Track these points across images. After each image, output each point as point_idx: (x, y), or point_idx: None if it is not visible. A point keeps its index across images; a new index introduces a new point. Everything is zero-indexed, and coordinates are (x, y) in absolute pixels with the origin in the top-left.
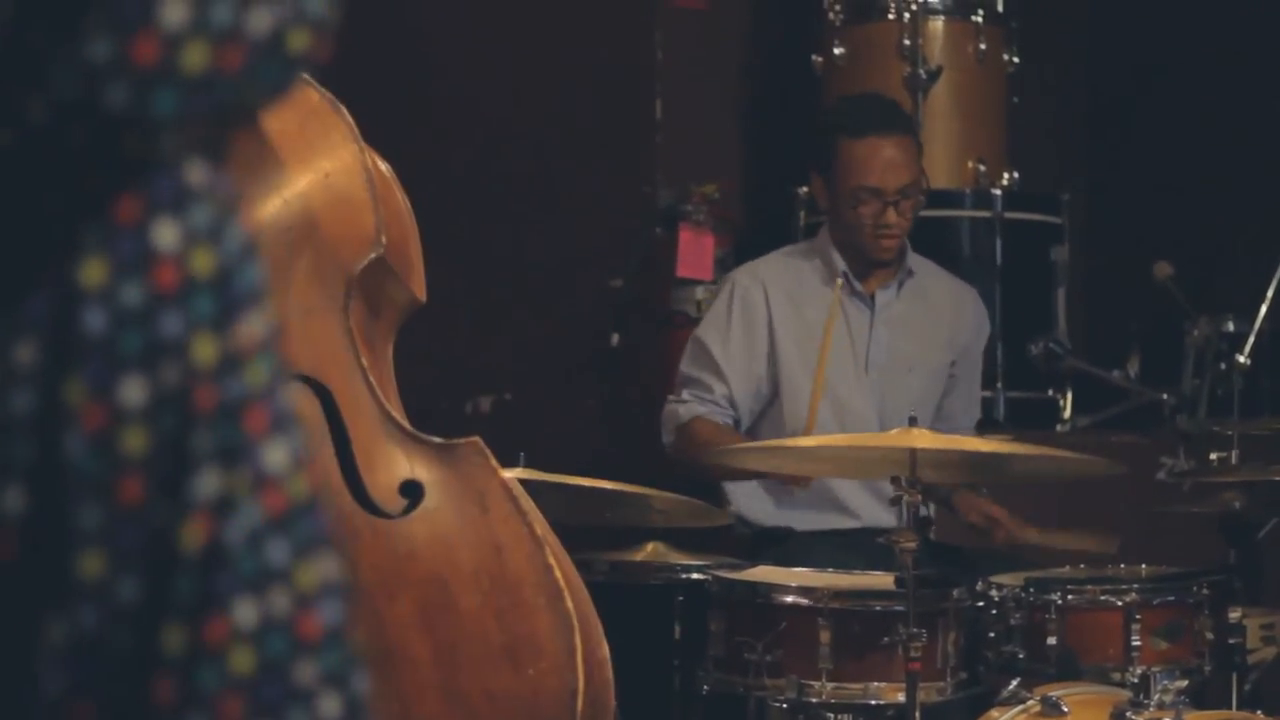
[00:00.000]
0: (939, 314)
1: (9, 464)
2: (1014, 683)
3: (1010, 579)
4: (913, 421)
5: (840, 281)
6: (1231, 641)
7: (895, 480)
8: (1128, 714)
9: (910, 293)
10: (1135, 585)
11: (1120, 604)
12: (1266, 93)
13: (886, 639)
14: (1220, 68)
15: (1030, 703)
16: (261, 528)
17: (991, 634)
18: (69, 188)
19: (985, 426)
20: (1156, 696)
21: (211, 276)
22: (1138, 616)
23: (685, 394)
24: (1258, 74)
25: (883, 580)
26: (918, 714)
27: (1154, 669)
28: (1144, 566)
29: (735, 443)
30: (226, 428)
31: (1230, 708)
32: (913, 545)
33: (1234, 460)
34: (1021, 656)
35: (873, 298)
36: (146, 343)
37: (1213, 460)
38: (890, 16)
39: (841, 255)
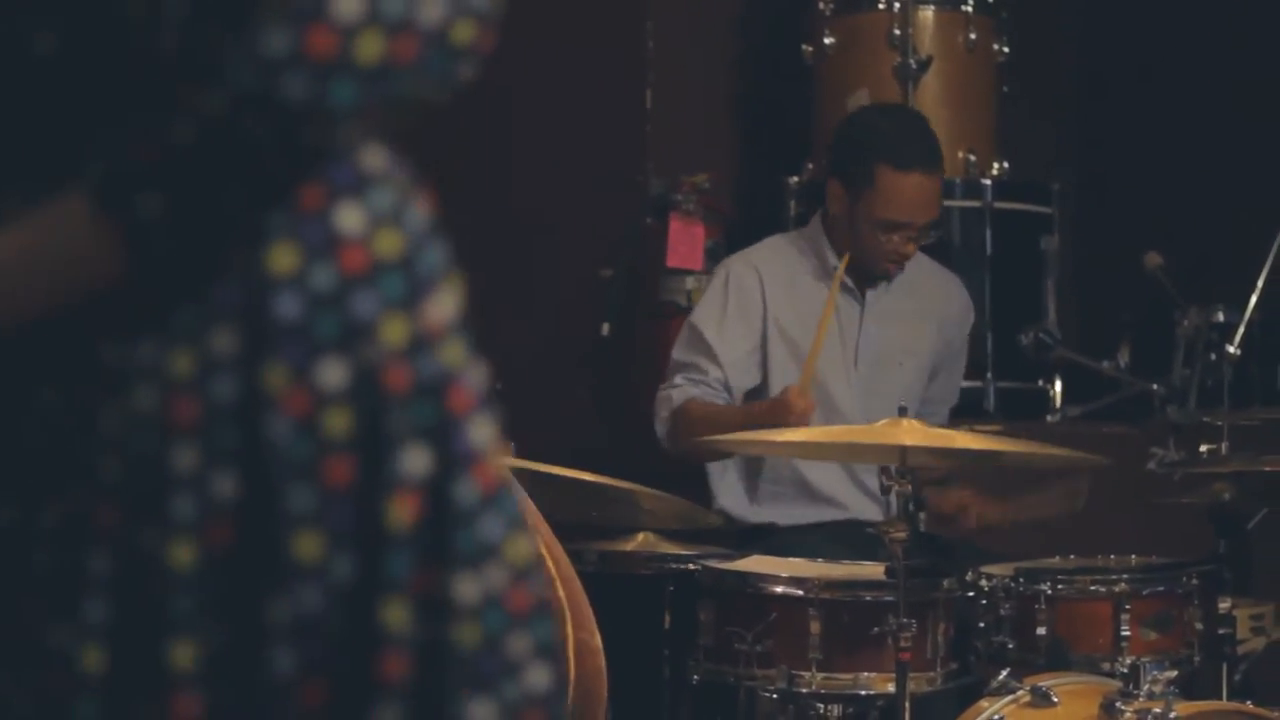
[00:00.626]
0: (927, 304)
1: (217, 451)
2: (1004, 673)
3: (1000, 569)
4: (902, 412)
5: (839, 272)
6: (1221, 632)
7: (885, 470)
8: (1117, 704)
9: (899, 285)
10: (1125, 575)
11: (1110, 594)
12: (1258, 82)
13: (877, 629)
14: (1211, 57)
15: (1020, 693)
16: (476, 504)
17: (981, 624)
18: (251, 177)
19: (975, 416)
20: (1146, 687)
21: (398, 257)
22: (1127, 607)
23: (678, 379)
24: (1249, 63)
25: (873, 571)
26: (908, 704)
27: (1144, 659)
28: (1134, 557)
29: (733, 417)
30: (427, 406)
31: (1220, 698)
32: (903, 535)
33: (1224, 451)
34: (1011, 647)
35: (863, 293)
36: (342, 325)
37: (1203, 451)
38: (880, 6)
39: (835, 251)
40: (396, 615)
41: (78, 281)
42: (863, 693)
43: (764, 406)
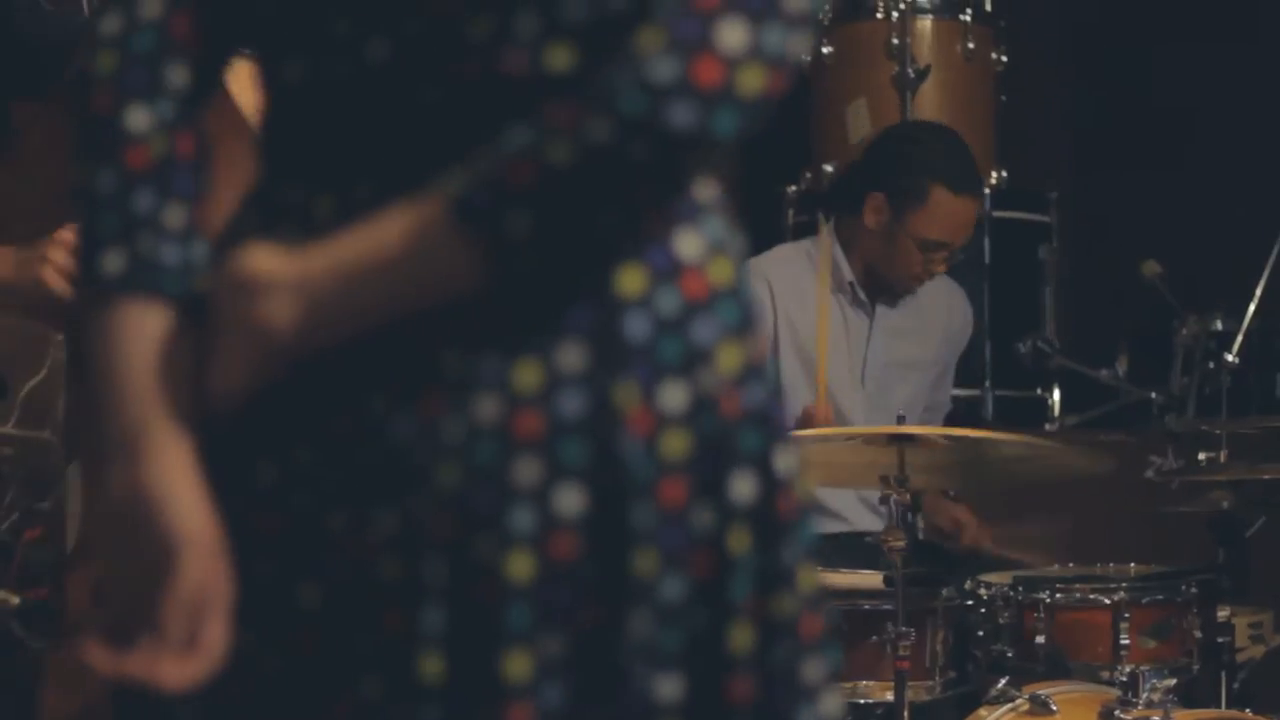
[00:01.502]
0: (933, 316)
1: (565, 466)
2: (1003, 681)
3: (999, 578)
4: (901, 420)
5: (850, 284)
6: (1220, 640)
7: (884, 479)
8: (1116, 712)
9: (907, 300)
10: (1124, 584)
11: (1109, 602)
12: (1255, 91)
13: (875, 637)
14: (1208, 66)
15: (1019, 701)
16: (784, 528)
17: (980, 632)
18: (627, 203)
19: (973, 425)
20: (1145, 695)
21: (730, 286)
22: (1126, 615)
23: None
24: (1246, 72)
25: (871, 579)
26: (906, 713)
27: (1142, 667)
28: (1133, 565)
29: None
30: (755, 434)
31: (1219, 706)
32: (901, 544)
33: (1222, 459)
34: (1010, 655)
35: (874, 307)
36: (685, 349)
37: (1201, 459)
38: (878, 15)
39: (850, 264)
40: (743, 638)
41: (430, 290)
42: (861, 701)
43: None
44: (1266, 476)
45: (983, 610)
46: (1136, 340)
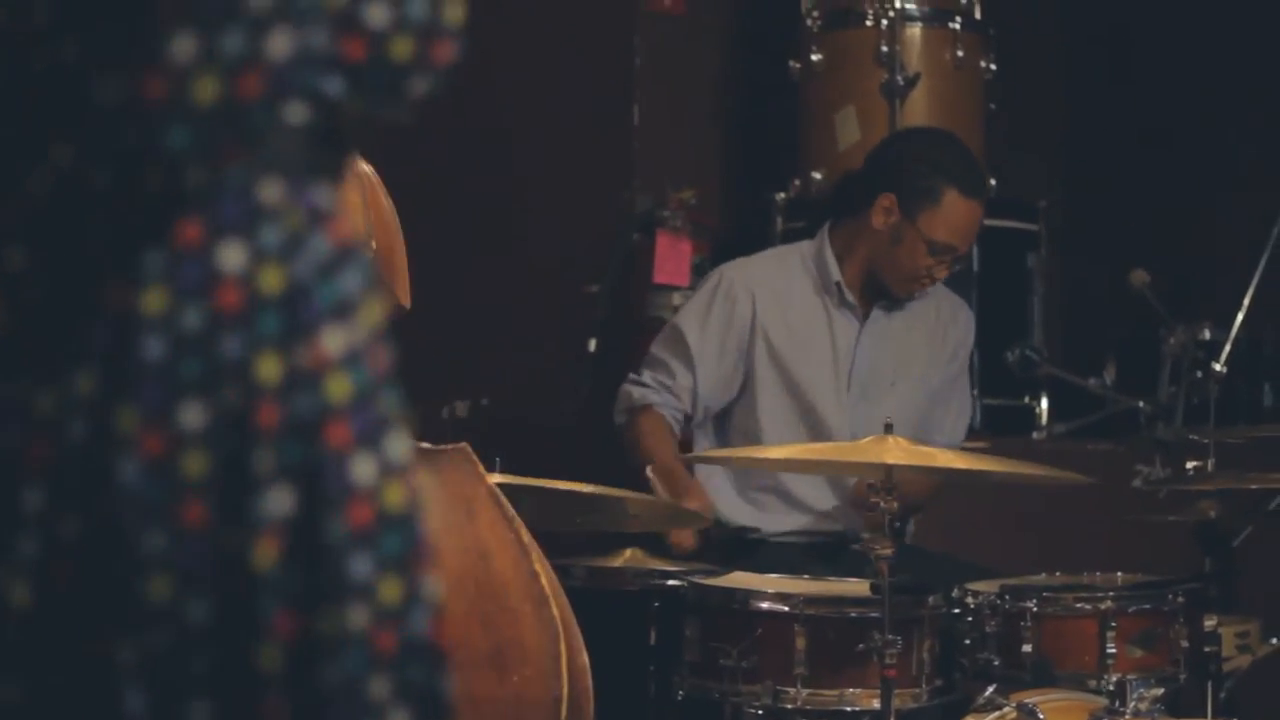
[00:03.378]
0: (928, 325)
1: (66, 493)
2: (989, 690)
3: (986, 586)
4: (888, 429)
5: (836, 285)
6: (1207, 649)
7: (870, 486)
8: None
9: (905, 309)
10: (1111, 593)
11: (1096, 611)
12: (1244, 101)
13: (862, 646)
14: (1197, 76)
15: (1006, 710)
16: (343, 542)
17: (967, 641)
18: (103, 224)
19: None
20: (1132, 704)
21: (280, 294)
22: (1113, 624)
23: (646, 376)
24: (1235, 83)
25: (858, 587)
26: None
27: (1129, 676)
28: (1120, 574)
29: (666, 451)
30: (297, 445)
31: (1205, 715)
32: (888, 552)
33: (1210, 468)
34: (997, 664)
35: (868, 311)
36: (206, 366)
37: (1189, 468)
38: (868, 23)
39: (843, 265)
40: (270, 657)
41: None
42: (848, 709)
43: (672, 481)
44: (1253, 486)
45: (970, 619)
46: (1124, 349)
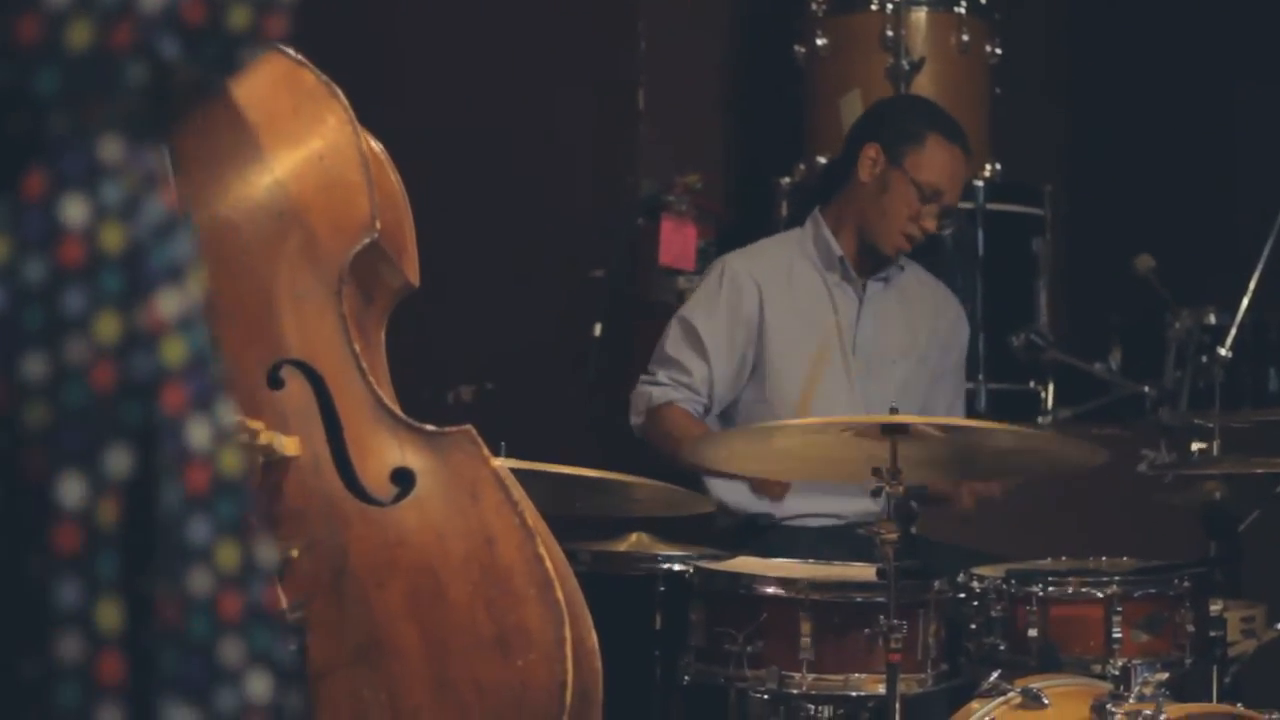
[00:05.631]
0: (921, 312)
1: None
2: (995, 674)
3: (991, 571)
4: (894, 412)
5: (840, 260)
6: (1212, 634)
7: (876, 471)
8: (1108, 706)
9: (898, 288)
10: (1116, 578)
11: (1101, 596)
12: (1249, 85)
13: (867, 630)
14: (1202, 60)
15: (1011, 694)
16: (182, 506)
17: (972, 626)
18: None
19: (967, 418)
20: (1137, 689)
21: (121, 253)
22: (1119, 609)
23: (661, 375)
24: (1240, 66)
25: (864, 572)
26: (898, 705)
27: (1135, 661)
28: (1125, 559)
29: (701, 435)
30: (135, 406)
31: (1210, 700)
32: (894, 536)
33: (1215, 452)
34: (1002, 648)
35: (864, 285)
36: (48, 319)
37: (1194, 452)
38: (873, 7)
39: (839, 240)
40: (110, 615)
41: None
42: (853, 694)
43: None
44: (1259, 470)
45: (975, 603)
46: (1129, 334)
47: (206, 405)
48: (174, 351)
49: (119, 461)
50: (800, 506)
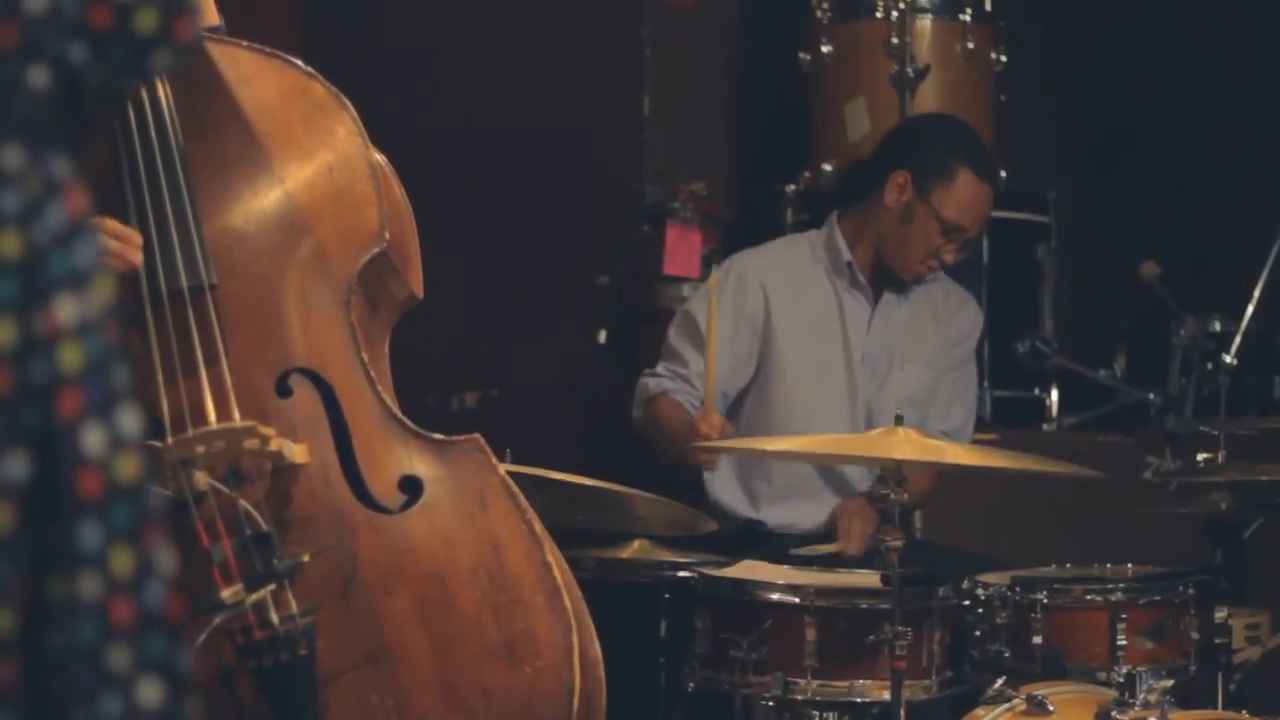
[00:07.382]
0: (935, 317)
1: None
2: (999, 681)
3: (997, 578)
4: (899, 420)
5: (848, 265)
6: (1217, 641)
7: (880, 478)
8: (1113, 713)
9: (913, 296)
10: (1121, 585)
11: (1106, 603)
12: (1254, 93)
13: (872, 637)
14: (1208, 68)
15: (1015, 701)
16: (73, 510)
17: (977, 632)
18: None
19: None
20: (1142, 696)
21: (18, 259)
22: (1124, 616)
23: (661, 367)
24: (1245, 74)
25: (868, 578)
26: (903, 712)
27: (1139, 668)
28: (1130, 566)
29: (665, 432)
30: (31, 410)
31: (1215, 707)
32: (899, 543)
33: (1220, 460)
34: (1007, 655)
35: (879, 294)
36: None
37: (1199, 460)
38: (878, 14)
39: (854, 251)
40: (3, 622)
41: None
42: (858, 700)
43: (682, 429)
44: (1264, 478)
45: (980, 610)
46: (1134, 341)
47: (104, 411)
48: (71, 357)
49: (16, 466)
50: (788, 514)
